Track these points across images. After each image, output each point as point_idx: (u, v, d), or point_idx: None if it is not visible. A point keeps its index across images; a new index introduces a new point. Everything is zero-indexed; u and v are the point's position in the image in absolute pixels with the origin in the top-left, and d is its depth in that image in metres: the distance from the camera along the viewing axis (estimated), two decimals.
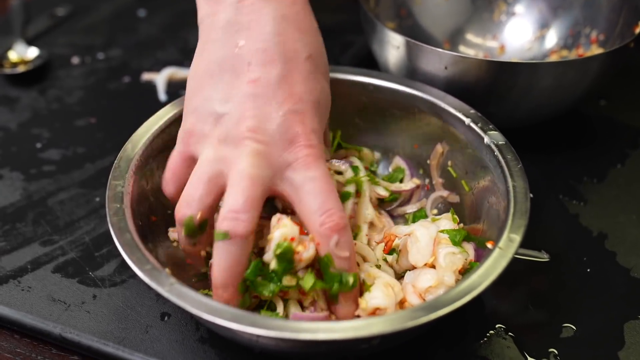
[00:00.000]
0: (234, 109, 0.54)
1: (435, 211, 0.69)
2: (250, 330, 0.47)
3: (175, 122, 0.66)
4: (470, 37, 0.95)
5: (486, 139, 0.62)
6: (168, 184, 0.59)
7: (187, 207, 0.54)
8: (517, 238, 0.53)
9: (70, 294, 0.64)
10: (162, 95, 0.90)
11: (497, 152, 0.61)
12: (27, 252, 0.68)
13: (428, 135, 0.70)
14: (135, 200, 0.60)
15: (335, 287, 0.53)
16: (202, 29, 0.59)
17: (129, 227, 0.56)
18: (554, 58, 0.91)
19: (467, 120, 0.64)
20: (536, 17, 0.93)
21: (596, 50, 0.87)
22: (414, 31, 0.93)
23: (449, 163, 0.68)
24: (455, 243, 0.58)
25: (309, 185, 0.53)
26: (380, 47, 0.80)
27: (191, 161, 0.56)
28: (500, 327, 0.61)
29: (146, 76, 0.94)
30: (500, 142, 0.62)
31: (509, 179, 0.58)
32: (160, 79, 0.92)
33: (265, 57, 0.54)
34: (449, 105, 0.66)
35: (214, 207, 0.55)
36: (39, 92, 0.92)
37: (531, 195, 0.56)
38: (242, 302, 0.54)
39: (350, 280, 0.53)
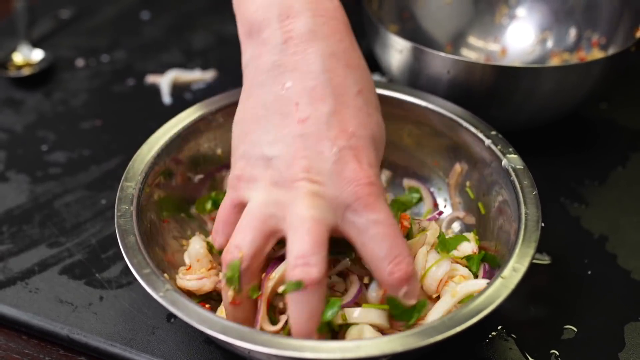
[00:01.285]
0: (285, 150, 0.51)
1: (450, 231, 0.68)
2: (238, 344, 0.47)
3: (195, 126, 0.67)
4: (472, 40, 0.96)
5: (504, 162, 0.61)
6: (218, 233, 0.56)
7: (236, 250, 0.51)
8: (522, 268, 0.52)
9: (77, 296, 0.64)
10: (166, 98, 0.91)
11: (513, 177, 0.60)
12: (34, 254, 0.69)
13: (448, 153, 0.69)
14: (146, 203, 0.61)
15: (414, 318, 0.54)
16: (246, 73, 0.57)
17: (134, 230, 0.57)
18: (555, 61, 0.91)
19: (487, 141, 0.63)
20: (538, 20, 0.94)
21: (597, 53, 0.88)
22: (416, 34, 0.93)
23: (467, 184, 0.67)
24: (472, 273, 0.59)
25: (374, 229, 0.50)
26: (383, 51, 0.81)
27: (241, 207, 0.53)
28: (502, 329, 0.62)
29: (150, 79, 0.94)
30: (518, 167, 0.61)
31: (522, 206, 0.57)
32: (164, 81, 0.92)
33: (314, 95, 0.52)
34: (471, 124, 0.65)
35: (265, 253, 0.52)
36: (44, 94, 0.92)
37: (543, 224, 0.55)
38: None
39: (423, 307, 0.53)
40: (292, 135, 0.51)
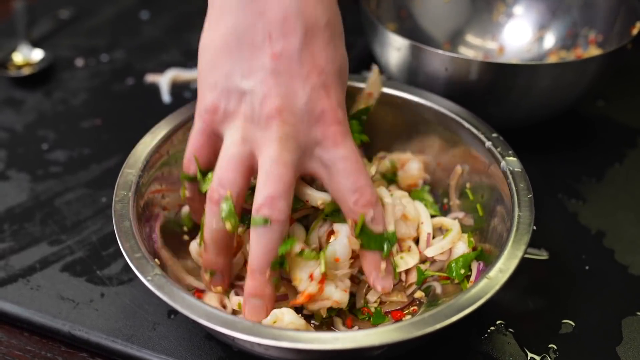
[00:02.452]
0: (258, 86, 0.53)
1: (457, 222, 0.67)
2: (222, 330, 0.48)
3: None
4: (469, 38, 0.96)
5: (503, 164, 0.62)
6: (191, 161, 0.58)
7: (222, 188, 0.54)
8: (509, 270, 0.52)
9: (78, 293, 0.65)
10: (166, 97, 0.91)
11: (510, 179, 0.60)
12: (36, 252, 0.69)
13: (450, 154, 0.69)
14: (145, 190, 0.62)
15: (387, 248, 0.56)
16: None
17: (129, 215, 0.58)
18: (552, 59, 0.92)
19: (487, 143, 0.64)
20: (535, 18, 0.94)
21: (594, 50, 0.88)
22: (414, 32, 0.94)
23: (467, 185, 0.68)
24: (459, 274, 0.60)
25: (340, 164, 0.53)
26: (382, 49, 0.81)
27: (216, 138, 0.56)
28: (501, 323, 0.62)
29: (150, 78, 0.95)
30: (516, 169, 0.61)
31: (516, 208, 0.57)
32: (164, 80, 0.93)
33: (286, 27, 0.52)
34: (472, 125, 0.66)
35: (246, 190, 0.55)
36: (44, 94, 0.93)
37: (534, 227, 0.56)
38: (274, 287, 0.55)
39: (393, 237, 0.57)
40: (265, 69, 0.53)
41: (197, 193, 0.60)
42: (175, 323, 0.62)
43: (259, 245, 0.53)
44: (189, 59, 0.99)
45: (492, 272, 0.52)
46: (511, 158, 0.62)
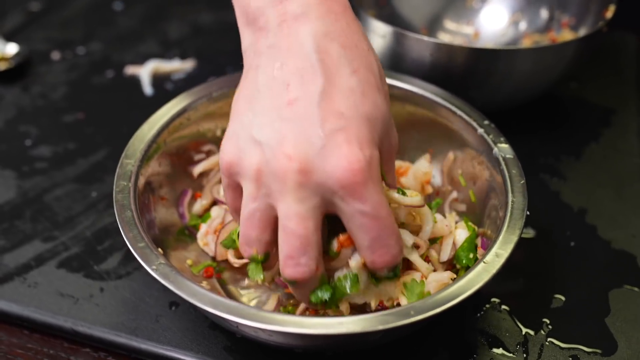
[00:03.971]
0: (272, 135, 0.50)
1: (453, 213, 0.69)
2: (227, 317, 0.49)
3: (193, 108, 0.69)
4: (446, 23, 0.98)
5: (495, 151, 0.63)
6: (234, 216, 0.58)
7: (249, 247, 0.54)
8: (505, 254, 0.54)
9: (77, 288, 0.65)
10: (147, 89, 0.91)
11: (503, 166, 0.62)
12: (29, 249, 0.69)
13: (442, 140, 0.70)
14: (145, 180, 0.63)
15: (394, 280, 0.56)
16: (245, 58, 0.57)
17: (131, 206, 0.58)
18: (527, 42, 0.94)
19: (480, 130, 0.65)
20: (509, 3, 0.96)
21: (567, 34, 0.91)
22: (393, 19, 0.95)
23: (459, 171, 0.69)
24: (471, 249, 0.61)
25: (359, 220, 0.50)
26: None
27: (241, 190, 0.54)
28: (495, 301, 0.65)
29: (130, 70, 0.94)
30: (508, 156, 0.63)
31: (510, 194, 0.59)
32: (144, 72, 0.92)
33: (304, 76, 0.51)
34: (465, 113, 0.67)
35: (273, 239, 0.54)
36: (22, 89, 0.91)
37: (528, 212, 0.57)
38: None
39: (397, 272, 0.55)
40: (280, 118, 0.51)
41: None
42: (178, 314, 0.63)
43: (298, 296, 0.55)
44: (167, 50, 0.99)
45: (489, 257, 0.54)
46: (503, 145, 0.64)
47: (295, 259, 0.50)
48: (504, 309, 0.64)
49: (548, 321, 0.63)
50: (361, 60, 0.54)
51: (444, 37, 0.98)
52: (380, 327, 0.49)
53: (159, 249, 0.56)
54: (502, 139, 0.65)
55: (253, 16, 0.55)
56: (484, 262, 0.54)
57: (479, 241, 0.62)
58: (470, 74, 0.78)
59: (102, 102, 0.89)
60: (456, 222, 0.65)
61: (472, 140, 0.67)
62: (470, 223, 0.64)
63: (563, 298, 0.65)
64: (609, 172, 0.80)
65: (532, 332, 0.62)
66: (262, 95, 0.52)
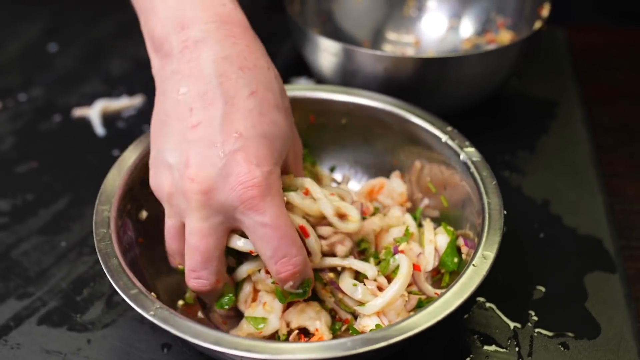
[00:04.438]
0: (179, 158, 0.54)
1: (428, 219, 0.70)
2: (233, 352, 0.49)
3: None
4: (388, 34, 1.00)
5: (462, 156, 0.65)
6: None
7: (173, 259, 0.61)
8: (491, 255, 0.56)
9: (63, 343, 0.63)
10: (99, 129, 0.89)
11: (472, 169, 0.63)
12: (5, 309, 0.66)
13: (407, 151, 0.72)
14: (122, 224, 0.62)
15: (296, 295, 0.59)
16: (155, 83, 0.60)
17: (115, 253, 0.57)
18: (467, 46, 0.97)
19: (444, 138, 0.67)
20: (446, 9, 0.99)
21: (506, 34, 0.95)
22: (337, 35, 0.97)
23: (428, 179, 0.71)
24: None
25: (260, 231, 0.53)
26: (315, 55, 0.84)
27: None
28: (480, 300, 0.67)
29: (77, 112, 0.92)
30: (475, 159, 0.64)
31: (484, 196, 0.61)
32: (93, 113, 0.90)
33: (206, 100, 0.54)
34: (427, 122, 0.69)
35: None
36: None
37: (505, 212, 0.60)
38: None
39: (308, 285, 0.58)
40: (186, 141, 0.54)
41: None
42: (172, 356, 0.62)
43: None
44: (113, 87, 0.97)
45: (477, 259, 0.56)
46: (469, 149, 0.66)
47: (197, 272, 0.56)
48: (490, 307, 0.66)
49: (533, 313, 0.65)
50: (259, 80, 0.57)
51: (387, 48, 1.00)
52: (392, 341, 0.49)
53: (152, 293, 0.55)
54: (467, 143, 0.67)
55: (159, 42, 0.59)
56: (473, 265, 0.55)
57: (460, 241, 0.63)
58: (421, 83, 0.80)
59: (53, 148, 0.87)
60: (435, 229, 0.67)
61: (438, 147, 0.68)
62: (448, 227, 0.65)
63: (543, 289, 0.68)
64: (563, 161, 0.84)
65: (519, 326, 0.64)
66: (170, 119, 0.56)
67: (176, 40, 0.57)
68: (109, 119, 0.91)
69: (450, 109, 0.85)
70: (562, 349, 0.62)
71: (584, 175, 0.82)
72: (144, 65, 1.03)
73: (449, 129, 0.68)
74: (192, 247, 0.55)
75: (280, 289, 0.58)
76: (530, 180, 0.81)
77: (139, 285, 0.55)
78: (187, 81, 0.55)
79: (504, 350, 0.62)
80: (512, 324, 0.65)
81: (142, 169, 0.66)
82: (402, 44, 1.01)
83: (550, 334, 0.64)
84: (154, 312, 0.52)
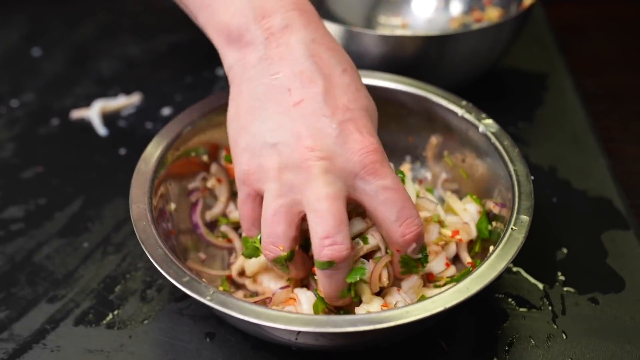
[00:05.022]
0: (287, 134, 0.54)
1: (448, 192, 0.72)
2: (291, 328, 0.50)
3: (185, 134, 0.69)
4: (379, 18, 1.02)
5: (481, 128, 0.67)
6: (252, 231, 0.60)
7: (275, 245, 0.55)
8: (527, 219, 0.58)
9: (104, 342, 0.62)
10: (100, 130, 0.88)
11: (494, 140, 0.65)
12: (38, 314, 0.65)
13: (422, 128, 0.73)
14: (158, 215, 0.62)
15: (416, 267, 0.58)
16: (232, 74, 0.59)
17: (159, 243, 0.57)
18: (454, 25, 1.00)
19: (460, 112, 0.68)
20: None
21: (492, 10, 0.97)
22: (331, 19, 0.97)
23: (445, 153, 0.72)
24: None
25: (383, 195, 0.54)
26: None
27: (260, 200, 0.57)
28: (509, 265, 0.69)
29: (76, 114, 0.90)
30: (495, 130, 0.66)
31: (510, 164, 0.63)
32: (93, 114, 0.89)
33: (304, 79, 0.55)
34: (442, 98, 0.70)
35: (298, 237, 0.56)
36: None
37: (532, 177, 0.62)
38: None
39: (426, 257, 0.58)
40: (290, 118, 0.54)
41: None
42: (217, 344, 0.62)
43: (330, 285, 0.55)
44: (108, 88, 0.96)
45: (514, 224, 0.58)
46: (487, 120, 0.68)
47: (331, 237, 0.52)
48: (517, 270, 0.68)
49: (560, 273, 0.68)
50: (346, 59, 0.59)
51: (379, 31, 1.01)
52: (449, 305, 0.51)
53: (203, 279, 0.55)
54: (483, 115, 0.69)
55: (237, 34, 0.58)
56: (512, 229, 0.57)
57: (490, 205, 0.65)
58: (423, 62, 0.82)
59: (57, 151, 0.85)
60: (461, 200, 0.69)
61: (455, 121, 0.70)
62: (475, 196, 0.67)
63: (565, 250, 0.70)
64: (562, 129, 0.87)
65: (549, 286, 0.67)
66: (265, 104, 0.56)
67: (259, 29, 0.57)
68: (108, 118, 0.90)
69: (451, 86, 0.86)
70: (593, 304, 0.65)
71: (584, 141, 0.85)
72: (135, 64, 1.03)
73: (464, 103, 0.70)
74: (322, 213, 0.52)
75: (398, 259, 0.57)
76: (534, 150, 0.84)
77: (188, 272, 0.55)
78: (279, 64, 0.56)
79: (538, 310, 0.65)
80: (541, 285, 0.67)
81: (168, 163, 0.66)
82: (390, 27, 1.02)
83: (578, 291, 0.66)
84: (210, 297, 0.52)
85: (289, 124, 0.54)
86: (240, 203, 0.59)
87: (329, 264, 0.53)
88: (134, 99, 0.93)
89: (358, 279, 0.56)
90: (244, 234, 0.61)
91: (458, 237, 0.65)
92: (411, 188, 0.62)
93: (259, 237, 0.58)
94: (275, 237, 0.55)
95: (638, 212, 0.76)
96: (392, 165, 0.59)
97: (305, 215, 0.54)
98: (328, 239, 0.52)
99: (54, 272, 0.69)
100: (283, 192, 0.54)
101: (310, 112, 0.54)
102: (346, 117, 0.55)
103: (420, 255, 0.57)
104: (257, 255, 0.60)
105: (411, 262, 0.57)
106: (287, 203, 0.54)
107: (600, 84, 0.97)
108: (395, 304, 0.58)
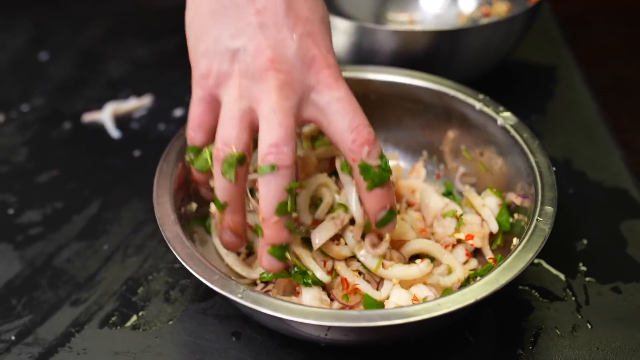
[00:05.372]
0: (248, 42, 0.54)
1: (467, 186, 0.72)
2: (320, 323, 0.50)
3: None
4: (388, 15, 1.02)
5: (500, 121, 0.67)
6: (196, 132, 0.59)
7: (226, 146, 0.55)
8: (552, 210, 0.58)
9: (130, 343, 0.62)
10: (113, 132, 0.88)
11: (513, 132, 0.65)
12: (62, 317, 0.65)
13: (439, 123, 0.73)
14: (180, 217, 0.61)
15: (380, 176, 0.56)
16: None
17: (185, 243, 0.57)
18: (462, 20, 1.00)
19: (478, 105, 0.69)
20: None
21: (500, 5, 0.98)
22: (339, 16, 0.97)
23: (462, 147, 0.72)
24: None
25: (335, 105, 0.55)
26: None
27: (215, 104, 0.58)
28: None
29: (88, 117, 0.90)
30: (514, 122, 0.66)
31: (531, 156, 0.63)
32: (105, 116, 0.89)
33: None
34: (459, 92, 0.70)
35: (250, 144, 0.56)
36: None
37: (554, 168, 0.62)
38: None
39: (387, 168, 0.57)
40: (252, 26, 0.55)
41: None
42: (244, 342, 0.62)
43: (268, 193, 0.54)
44: (118, 90, 0.96)
45: (540, 215, 0.58)
46: (505, 113, 0.68)
47: (279, 147, 0.54)
48: (539, 262, 0.69)
49: (581, 263, 0.68)
50: None
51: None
52: (480, 297, 0.51)
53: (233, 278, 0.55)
54: (501, 108, 0.69)
55: None
56: (537, 219, 0.58)
57: (512, 197, 0.65)
58: (435, 56, 0.82)
59: (71, 155, 0.85)
60: (480, 194, 0.69)
61: (472, 115, 0.70)
62: (494, 190, 0.68)
63: (585, 240, 0.71)
64: (574, 121, 0.87)
65: (571, 277, 0.67)
66: (228, 9, 0.56)
67: None
68: (121, 121, 0.90)
69: (462, 81, 0.86)
70: (615, 293, 0.65)
71: (597, 132, 0.85)
72: (144, 66, 1.03)
73: (481, 96, 0.70)
74: (275, 123, 0.54)
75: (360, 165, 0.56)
76: (548, 142, 0.84)
77: (218, 271, 0.55)
78: None
79: (562, 301, 0.65)
80: (563, 276, 0.67)
81: (188, 163, 0.66)
82: (398, 23, 1.02)
83: (600, 281, 0.67)
84: (241, 295, 0.52)
85: (250, 31, 0.55)
86: (192, 104, 0.59)
87: (272, 168, 0.54)
88: (145, 100, 0.93)
89: (296, 185, 0.56)
90: (187, 135, 0.60)
91: (471, 242, 0.65)
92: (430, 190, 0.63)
93: (210, 147, 0.59)
94: (229, 138, 0.55)
95: None
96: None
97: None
98: (275, 147, 0.54)
99: (75, 275, 0.69)
100: (241, 98, 0.55)
101: (272, 22, 0.55)
102: (306, 30, 0.55)
103: (379, 162, 0.56)
104: (207, 168, 0.60)
105: (371, 169, 0.56)
106: (244, 108, 0.55)
107: (608, 75, 0.98)
108: (425, 298, 0.58)
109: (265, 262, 0.57)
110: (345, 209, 0.60)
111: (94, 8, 1.16)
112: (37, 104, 0.94)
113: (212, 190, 0.60)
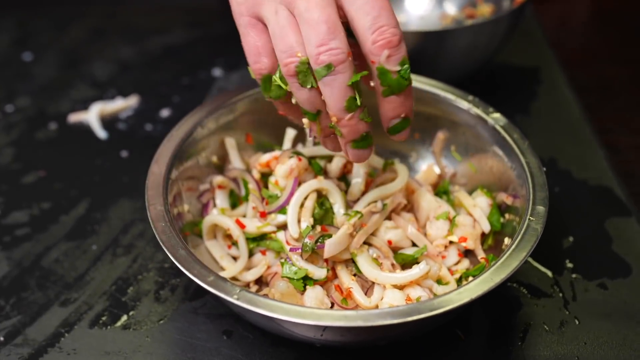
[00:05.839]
0: None
1: (456, 187, 0.73)
2: (318, 324, 0.50)
3: (194, 135, 0.69)
4: None
5: (490, 122, 0.68)
6: (260, 59, 0.57)
7: (291, 56, 0.53)
8: (543, 209, 0.59)
9: (121, 343, 0.62)
10: (100, 133, 0.87)
11: (503, 133, 0.66)
12: (51, 318, 0.65)
13: (428, 124, 0.73)
14: (173, 218, 0.61)
15: (397, 84, 0.54)
16: None
17: (180, 244, 0.57)
18: (446, 22, 1.01)
19: (467, 106, 0.69)
20: None
21: (484, 7, 0.99)
22: None
23: (452, 148, 0.73)
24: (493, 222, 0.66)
25: (360, 1, 0.52)
26: None
27: (261, 25, 0.56)
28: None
29: (74, 117, 0.90)
30: (503, 123, 0.67)
31: (521, 157, 0.64)
32: (92, 117, 0.89)
33: None
34: (449, 93, 0.71)
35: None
36: None
37: (544, 168, 0.63)
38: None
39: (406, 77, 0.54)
40: None
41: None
42: (235, 340, 0.62)
43: (332, 92, 0.53)
44: (104, 91, 0.95)
45: (531, 214, 0.59)
46: (495, 114, 0.69)
47: (326, 44, 0.51)
48: (527, 260, 0.69)
49: (568, 261, 0.69)
50: None
51: None
52: (475, 296, 0.52)
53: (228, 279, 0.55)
54: (490, 109, 0.70)
55: None
56: (529, 219, 0.58)
57: (502, 197, 0.66)
58: (422, 57, 0.83)
59: (58, 155, 0.85)
60: (470, 194, 0.69)
61: (462, 116, 0.71)
62: (485, 190, 0.68)
63: (571, 238, 0.72)
64: (558, 121, 0.88)
65: (558, 274, 0.68)
66: None
67: None
68: (107, 121, 0.90)
69: (448, 81, 0.88)
70: (602, 289, 0.66)
71: (581, 132, 0.86)
72: (129, 66, 1.02)
73: (471, 97, 0.71)
74: (313, 21, 0.51)
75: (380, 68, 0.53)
76: (533, 141, 0.83)
77: (212, 272, 0.55)
78: None
79: (550, 297, 0.66)
80: (550, 273, 0.68)
81: (179, 165, 0.66)
82: None
83: (587, 278, 0.68)
84: (237, 296, 0.52)
85: None
86: (243, 37, 0.58)
87: (328, 68, 0.52)
88: (132, 101, 0.92)
89: (359, 77, 0.53)
90: (253, 70, 0.58)
91: (464, 244, 0.66)
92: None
93: (276, 74, 0.57)
94: (289, 47, 0.53)
95: (638, 200, 0.78)
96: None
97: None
98: (323, 46, 0.51)
99: (64, 276, 0.69)
100: (281, 9, 0.53)
101: None
102: None
103: (398, 68, 0.53)
104: (284, 92, 0.58)
105: (388, 74, 0.53)
106: (286, 15, 0.53)
107: (590, 76, 0.99)
108: (418, 298, 0.58)
109: (353, 156, 0.56)
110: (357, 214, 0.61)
111: (77, 8, 1.15)
112: (22, 104, 0.94)
113: (301, 112, 0.57)
